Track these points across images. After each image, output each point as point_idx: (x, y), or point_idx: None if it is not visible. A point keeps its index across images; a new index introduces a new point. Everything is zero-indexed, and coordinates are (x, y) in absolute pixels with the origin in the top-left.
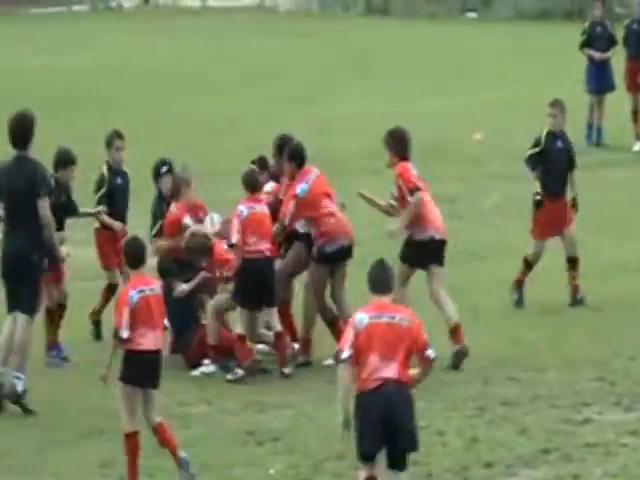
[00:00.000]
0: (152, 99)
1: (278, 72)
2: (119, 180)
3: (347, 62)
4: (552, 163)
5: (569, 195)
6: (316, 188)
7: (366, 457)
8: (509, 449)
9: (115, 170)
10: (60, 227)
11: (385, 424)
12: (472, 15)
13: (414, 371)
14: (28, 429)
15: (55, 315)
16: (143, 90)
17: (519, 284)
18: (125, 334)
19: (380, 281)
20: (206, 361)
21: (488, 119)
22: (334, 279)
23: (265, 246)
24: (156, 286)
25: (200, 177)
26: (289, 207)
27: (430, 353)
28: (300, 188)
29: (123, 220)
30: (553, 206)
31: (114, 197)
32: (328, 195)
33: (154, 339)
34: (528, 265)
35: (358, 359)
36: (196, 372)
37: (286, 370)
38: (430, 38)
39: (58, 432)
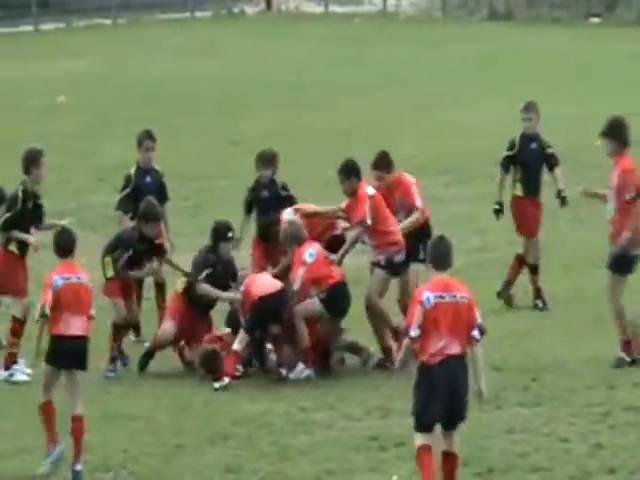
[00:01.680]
0: (274, 105)
1: (400, 78)
2: (147, 179)
3: (470, 67)
4: (527, 165)
5: (557, 187)
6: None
7: (427, 426)
8: (633, 455)
9: (143, 170)
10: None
11: (450, 396)
12: (595, 20)
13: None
14: (153, 435)
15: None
16: (265, 96)
17: (510, 284)
18: (47, 310)
19: (442, 257)
20: (301, 365)
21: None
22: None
23: None
24: (83, 276)
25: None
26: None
27: (476, 334)
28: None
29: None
30: (530, 208)
31: (140, 197)
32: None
33: (79, 325)
34: (521, 264)
35: (425, 336)
36: (292, 375)
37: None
38: (553, 43)
39: (182, 438)
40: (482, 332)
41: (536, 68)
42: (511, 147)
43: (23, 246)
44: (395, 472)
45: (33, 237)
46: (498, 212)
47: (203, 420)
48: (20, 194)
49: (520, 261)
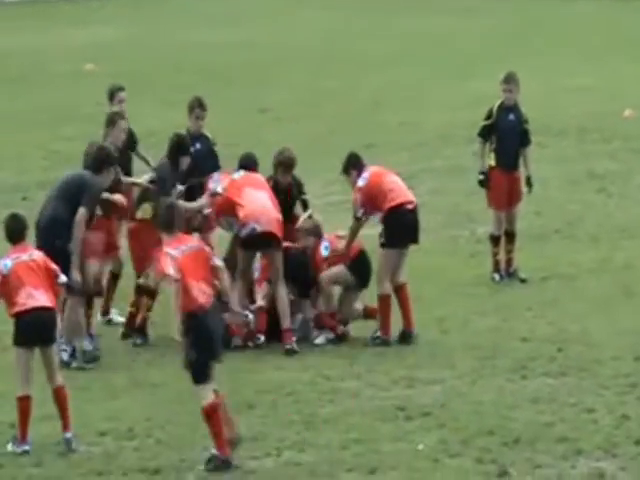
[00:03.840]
0: (299, 75)
1: (425, 49)
2: (198, 145)
3: (506, 38)
4: (504, 137)
5: (523, 173)
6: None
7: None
8: None
9: (193, 136)
10: None
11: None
12: None
13: None
14: (178, 403)
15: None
16: (290, 65)
17: (497, 265)
18: None
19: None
20: (315, 332)
21: (638, 96)
22: None
23: None
24: (37, 255)
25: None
26: None
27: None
28: None
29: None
30: (506, 179)
31: (194, 163)
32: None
33: (41, 298)
34: (495, 240)
35: None
36: (319, 340)
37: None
38: (578, 15)
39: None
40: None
41: (571, 40)
42: (488, 116)
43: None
44: (421, 441)
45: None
46: (482, 182)
47: (228, 388)
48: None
49: (495, 240)
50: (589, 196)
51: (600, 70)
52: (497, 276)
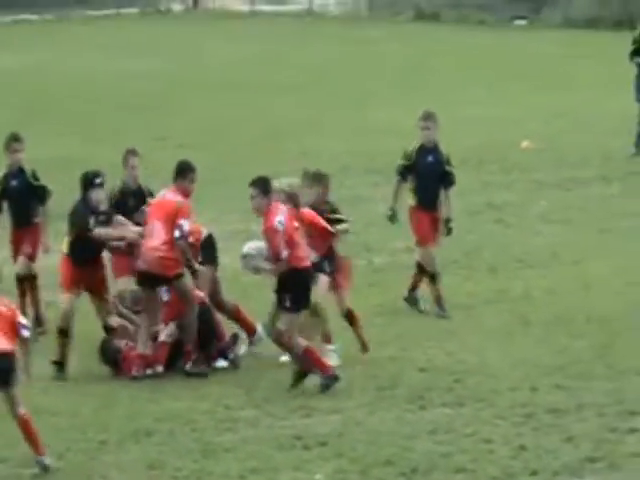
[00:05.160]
0: (200, 103)
1: (325, 78)
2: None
3: (396, 67)
4: (422, 177)
5: (444, 214)
6: None
7: None
8: (555, 457)
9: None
10: None
11: None
12: (521, 22)
13: None
14: (76, 431)
15: None
16: (191, 94)
17: (414, 288)
18: None
19: None
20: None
21: (536, 127)
22: None
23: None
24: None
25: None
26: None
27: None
28: None
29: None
30: (425, 218)
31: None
32: None
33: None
34: (422, 270)
35: None
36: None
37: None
38: (479, 45)
39: (105, 434)
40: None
41: (463, 70)
42: (407, 158)
43: None
44: (318, 471)
45: None
46: (392, 217)
47: (126, 416)
48: None
49: (420, 268)
50: (487, 226)
51: (498, 100)
52: (440, 312)
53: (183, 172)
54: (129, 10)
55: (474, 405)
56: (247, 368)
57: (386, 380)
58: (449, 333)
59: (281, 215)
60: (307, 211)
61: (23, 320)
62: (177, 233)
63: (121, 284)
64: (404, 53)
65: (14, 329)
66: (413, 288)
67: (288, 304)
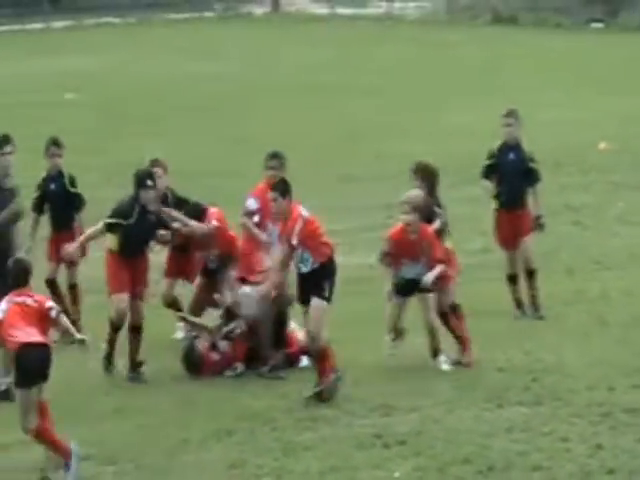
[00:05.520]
0: (279, 106)
1: (403, 80)
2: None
3: (473, 71)
4: (505, 175)
5: (534, 211)
6: None
7: None
8: (632, 456)
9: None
10: None
11: None
12: (598, 25)
13: None
14: (158, 429)
15: None
16: (270, 97)
17: (518, 303)
18: None
19: None
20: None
21: (612, 129)
22: None
23: None
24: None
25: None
26: None
27: None
28: None
29: None
30: (508, 218)
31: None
32: None
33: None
34: (511, 279)
35: None
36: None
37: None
38: (556, 48)
39: (186, 433)
40: None
41: (540, 72)
42: (491, 156)
43: None
44: (397, 469)
45: None
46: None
47: (207, 416)
48: None
49: (511, 279)
50: (565, 228)
51: (575, 103)
52: (518, 313)
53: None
54: (209, 14)
55: (551, 404)
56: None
57: (465, 379)
58: (528, 333)
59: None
60: (429, 228)
61: (49, 303)
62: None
63: (166, 286)
64: (482, 56)
65: (46, 320)
66: (532, 298)
67: (327, 293)
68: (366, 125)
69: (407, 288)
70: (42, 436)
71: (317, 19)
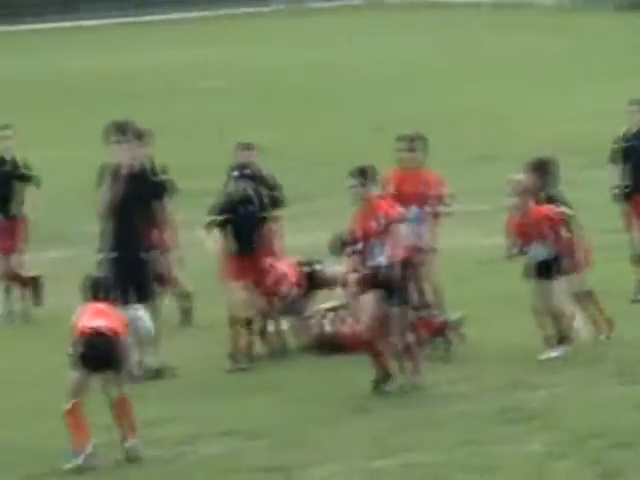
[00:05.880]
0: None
1: (534, 65)
2: None
3: (604, 54)
4: (630, 160)
5: None
6: None
7: None
8: None
9: None
10: None
11: None
12: None
13: None
14: (298, 405)
15: None
16: (401, 85)
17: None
18: None
19: None
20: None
21: None
22: None
23: None
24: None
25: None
26: None
27: None
28: None
29: None
30: (629, 208)
31: None
32: None
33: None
34: (635, 259)
35: None
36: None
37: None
38: None
39: (324, 409)
40: None
41: None
42: (616, 142)
43: None
44: (527, 444)
45: None
46: (616, 196)
47: (345, 392)
48: None
49: (634, 259)
50: None
51: None
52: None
53: None
54: (320, 4)
55: None
56: (456, 344)
57: (595, 356)
58: None
59: None
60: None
61: None
62: None
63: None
64: (604, 41)
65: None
66: None
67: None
68: (499, 108)
69: (538, 270)
70: (71, 418)
71: (440, 6)
